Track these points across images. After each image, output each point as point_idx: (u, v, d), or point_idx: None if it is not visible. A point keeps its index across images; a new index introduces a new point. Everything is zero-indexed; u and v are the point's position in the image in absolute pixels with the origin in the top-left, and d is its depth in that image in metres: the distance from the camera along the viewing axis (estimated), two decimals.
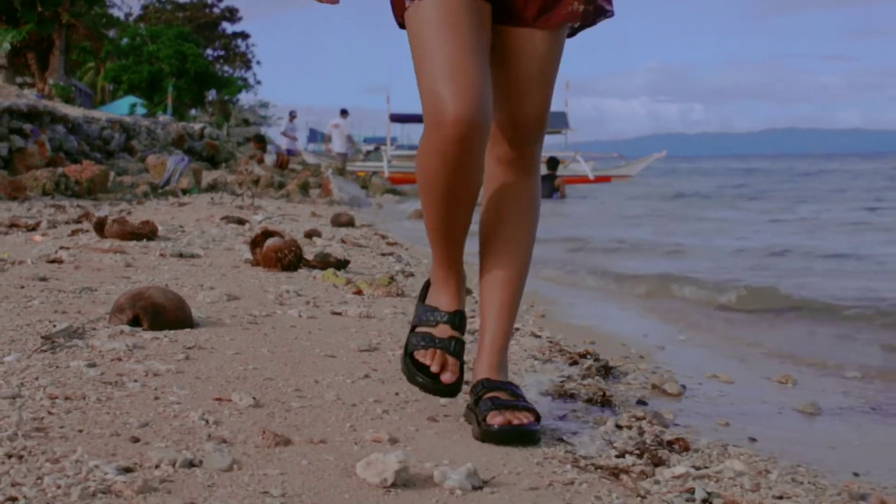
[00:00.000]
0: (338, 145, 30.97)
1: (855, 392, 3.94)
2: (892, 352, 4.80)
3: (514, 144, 2.71)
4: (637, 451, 2.58)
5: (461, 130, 2.43)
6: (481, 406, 2.56)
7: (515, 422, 2.51)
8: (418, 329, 2.77)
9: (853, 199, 23.47)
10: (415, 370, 2.69)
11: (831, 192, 28.69)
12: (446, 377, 2.65)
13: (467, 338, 2.81)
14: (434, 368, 2.66)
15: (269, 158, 25.76)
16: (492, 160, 2.74)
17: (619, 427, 2.85)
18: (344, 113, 30.93)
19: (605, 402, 3.15)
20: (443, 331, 2.73)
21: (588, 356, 3.98)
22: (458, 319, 2.75)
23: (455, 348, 2.71)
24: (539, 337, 4.45)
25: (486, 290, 2.77)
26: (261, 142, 29.11)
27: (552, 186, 22.40)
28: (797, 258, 9.93)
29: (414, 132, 69.74)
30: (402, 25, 2.65)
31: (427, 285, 2.89)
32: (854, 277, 8.16)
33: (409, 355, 2.73)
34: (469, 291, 5.66)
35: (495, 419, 2.51)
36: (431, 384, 2.67)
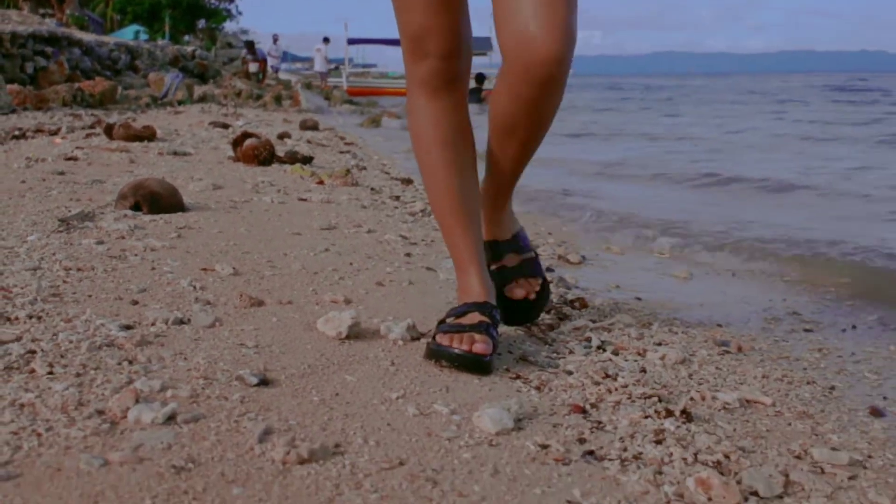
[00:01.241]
0: (318, 65, 31.03)
1: (719, 261, 3.96)
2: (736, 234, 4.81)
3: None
4: (545, 309, 2.56)
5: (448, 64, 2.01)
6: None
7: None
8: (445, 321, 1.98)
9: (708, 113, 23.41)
10: (438, 349, 1.88)
11: (699, 101, 28.69)
12: (479, 347, 1.85)
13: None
14: (463, 347, 1.85)
15: (253, 66, 26.19)
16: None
17: None
18: (326, 40, 31.08)
19: None
20: (472, 318, 1.94)
21: None
22: (489, 309, 1.96)
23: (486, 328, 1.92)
24: None
25: None
26: (251, 47, 28.43)
27: (479, 97, 22.36)
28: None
29: (368, 54, 68.78)
30: None
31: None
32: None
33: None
34: (409, 180, 5.59)
35: None
36: (460, 355, 1.84)
